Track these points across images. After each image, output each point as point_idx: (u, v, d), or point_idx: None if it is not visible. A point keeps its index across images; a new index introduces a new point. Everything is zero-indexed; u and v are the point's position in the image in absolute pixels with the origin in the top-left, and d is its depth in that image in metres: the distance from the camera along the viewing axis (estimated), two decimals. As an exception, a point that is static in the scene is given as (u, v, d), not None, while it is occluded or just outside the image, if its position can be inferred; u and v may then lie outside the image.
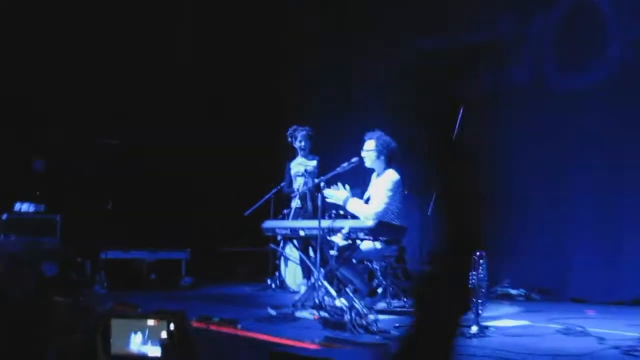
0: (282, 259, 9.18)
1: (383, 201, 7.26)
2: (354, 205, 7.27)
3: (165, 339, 1.81)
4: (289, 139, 8.99)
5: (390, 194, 7.30)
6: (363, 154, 7.48)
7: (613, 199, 7.72)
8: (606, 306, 7.39)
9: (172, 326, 1.87)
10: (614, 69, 7.79)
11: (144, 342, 1.89)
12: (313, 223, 7.09)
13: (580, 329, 5.58)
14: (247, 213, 9.04)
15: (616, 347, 4.83)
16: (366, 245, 7.07)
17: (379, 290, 7.34)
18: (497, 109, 8.56)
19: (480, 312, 5.51)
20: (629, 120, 7.58)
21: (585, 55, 8.00)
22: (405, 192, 8.72)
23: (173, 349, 1.82)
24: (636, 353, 4.61)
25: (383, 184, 7.36)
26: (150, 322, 1.92)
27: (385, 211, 7.23)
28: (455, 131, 5.97)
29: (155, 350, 1.88)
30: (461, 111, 6.12)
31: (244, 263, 11.32)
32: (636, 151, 7.52)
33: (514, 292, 8.02)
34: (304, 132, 8.94)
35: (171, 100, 11.52)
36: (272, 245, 9.32)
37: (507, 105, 8.55)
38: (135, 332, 1.91)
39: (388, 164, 7.47)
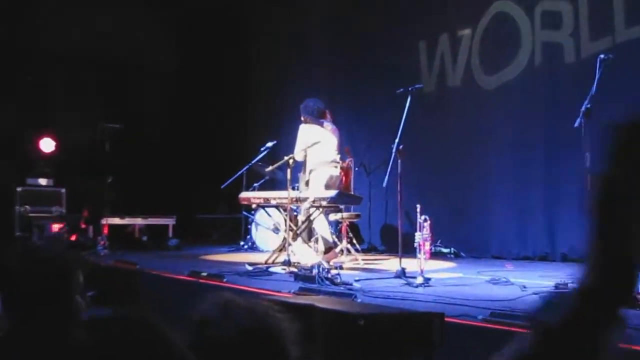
0: (254, 224, 9.10)
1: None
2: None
3: None
4: None
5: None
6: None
7: (524, 177, 7.75)
8: (519, 261, 7.45)
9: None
10: (525, 67, 7.80)
11: None
12: (283, 194, 7.05)
13: (505, 279, 5.58)
14: (223, 186, 8.95)
15: (535, 293, 4.83)
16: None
17: (337, 249, 7.35)
18: (440, 104, 8.61)
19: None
20: (536, 107, 7.62)
21: (504, 57, 7.99)
22: (356, 169, 8.75)
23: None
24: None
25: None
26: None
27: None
28: (403, 119, 5.96)
29: None
30: (408, 101, 6.09)
31: (218, 228, 11.34)
32: (542, 133, 7.55)
33: (445, 250, 8.04)
34: None
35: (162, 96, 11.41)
36: (244, 213, 9.30)
37: (446, 101, 8.63)
38: None
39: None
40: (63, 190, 9.84)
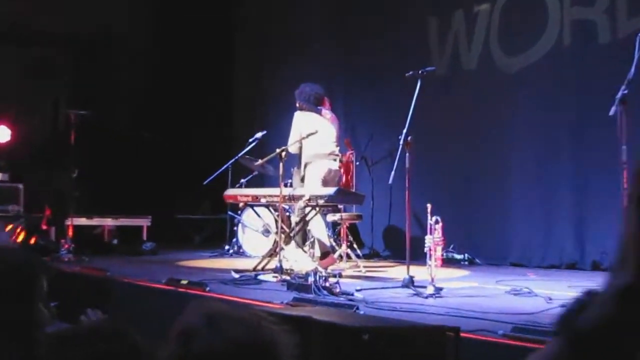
0: (240, 226, 9.09)
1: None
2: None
3: None
4: None
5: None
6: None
7: (550, 173, 7.75)
8: (543, 270, 7.47)
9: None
10: (552, 48, 7.79)
11: None
12: (274, 191, 7.05)
13: (527, 290, 5.58)
14: (206, 182, 8.99)
15: (563, 306, 4.81)
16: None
17: (336, 255, 7.39)
18: (453, 90, 8.63)
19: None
20: (564, 93, 7.62)
21: (528, 36, 7.98)
22: (357, 163, 8.77)
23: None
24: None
25: None
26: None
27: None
28: (412, 107, 5.96)
29: None
30: (418, 86, 6.09)
31: (200, 230, 11.37)
32: (572, 123, 7.55)
33: (458, 256, 8.05)
34: None
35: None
36: (230, 213, 9.30)
37: (461, 86, 8.63)
38: None
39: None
40: (21, 186, 9.76)
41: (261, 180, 9.48)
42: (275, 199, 6.95)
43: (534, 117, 7.88)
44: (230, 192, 7.83)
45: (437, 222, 5.60)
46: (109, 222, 9.99)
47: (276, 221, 7.34)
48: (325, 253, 7.06)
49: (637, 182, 0.73)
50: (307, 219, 7.05)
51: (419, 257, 6.08)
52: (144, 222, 10.06)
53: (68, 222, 8.85)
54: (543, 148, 7.81)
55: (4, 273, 2.43)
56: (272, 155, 7.11)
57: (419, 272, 5.78)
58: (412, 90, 6.05)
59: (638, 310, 0.76)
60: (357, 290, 5.38)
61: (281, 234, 6.84)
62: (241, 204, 7.84)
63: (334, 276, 6.06)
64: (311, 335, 3.31)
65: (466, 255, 8.10)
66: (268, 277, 6.42)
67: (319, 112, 7.53)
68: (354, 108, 9.88)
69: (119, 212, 10.09)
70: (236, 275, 6.44)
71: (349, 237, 8.06)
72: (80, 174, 8.89)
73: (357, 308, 4.51)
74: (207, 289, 5.58)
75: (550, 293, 5.39)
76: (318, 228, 7.16)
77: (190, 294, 5.52)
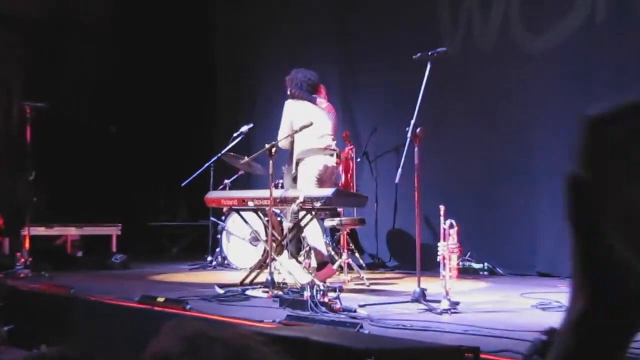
0: (225, 234, 9.09)
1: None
2: None
3: None
4: None
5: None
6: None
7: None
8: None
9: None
10: (582, 25, 7.80)
11: None
12: (263, 193, 7.05)
13: (557, 303, 5.59)
14: (184, 184, 9.01)
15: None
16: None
17: (335, 265, 7.40)
18: (467, 73, 8.62)
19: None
20: (598, 77, 7.61)
21: (554, 11, 7.99)
22: (358, 160, 8.78)
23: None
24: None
25: None
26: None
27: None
28: (421, 94, 5.96)
29: None
30: (428, 70, 6.09)
31: (177, 240, 11.40)
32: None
33: (477, 265, 8.07)
34: None
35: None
36: (212, 219, 9.31)
37: (476, 69, 8.63)
38: None
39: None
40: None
41: (248, 181, 9.49)
42: (265, 202, 6.98)
43: (563, 104, 7.86)
44: (212, 195, 7.86)
45: (451, 226, 5.60)
46: (72, 231, 10.00)
47: (266, 228, 7.34)
48: (323, 263, 7.07)
49: (569, 198, 0.74)
50: (302, 224, 7.04)
51: (431, 267, 6.09)
52: (113, 231, 10.05)
53: (24, 232, 8.84)
54: (573, 140, 7.79)
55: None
56: (260, 151, 7.10)
57: (431, 285, 5.80)
58: (421, 75, 6.05)
59: (598, 338, 0.76)
60: (361, 306, 5.40)
61: (272, 243, 6.85)
62: (225, 209, 7.85)
63: (334, 290, 6.05)
64: (308, 358, 3.31)
65: (486, 264, 8.14)
66: (257, 292, 6.45)
67: (314, 101, 7.52)
68: (353, 97, 9.88)
69: (83, 220, 10.09)
70: (220, 291, 6.46)
71: (350, 244, 8.06)
72: (38, 176, 8.87)
73: (361, 327, 4.53)
74: (187, 307, 5.60)
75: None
76: (314, 235, 7.17)
77: (167, 313, 5.53)
